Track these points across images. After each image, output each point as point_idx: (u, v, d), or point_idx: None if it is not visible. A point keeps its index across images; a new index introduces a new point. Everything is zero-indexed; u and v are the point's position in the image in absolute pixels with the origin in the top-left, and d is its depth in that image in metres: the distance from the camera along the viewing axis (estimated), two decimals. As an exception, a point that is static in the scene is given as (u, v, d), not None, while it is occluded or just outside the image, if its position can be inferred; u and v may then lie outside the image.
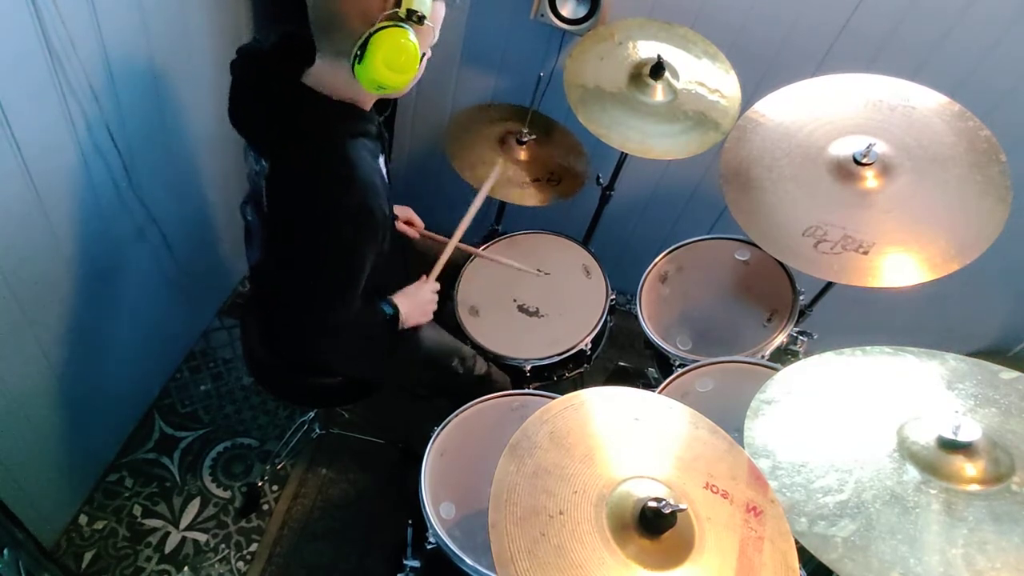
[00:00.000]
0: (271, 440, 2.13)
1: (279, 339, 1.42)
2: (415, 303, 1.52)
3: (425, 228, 1.76)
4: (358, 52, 1.07)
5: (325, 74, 1.18)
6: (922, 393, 1.11)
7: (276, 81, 1.20)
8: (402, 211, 1.73)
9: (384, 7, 1.08)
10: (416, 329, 1.59)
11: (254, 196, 1.34)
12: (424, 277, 1.58)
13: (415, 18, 1.07)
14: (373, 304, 1.43)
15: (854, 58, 1.87)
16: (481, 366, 1.71)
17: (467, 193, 1.70)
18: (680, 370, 1.58)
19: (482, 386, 1.60)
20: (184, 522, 1.94)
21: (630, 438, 1.06)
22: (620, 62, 1.77)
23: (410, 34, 1.07)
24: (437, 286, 1.58)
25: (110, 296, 1.75)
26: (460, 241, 1.67)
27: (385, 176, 1.35)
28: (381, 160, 1.34)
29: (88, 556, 1.83)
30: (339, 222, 1.18)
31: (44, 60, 1.28)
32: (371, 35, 1.06)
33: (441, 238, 1.69)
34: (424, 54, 1.14)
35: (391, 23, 1.06)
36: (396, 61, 1.08)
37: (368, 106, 1.26)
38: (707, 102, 1.74)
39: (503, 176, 1.86)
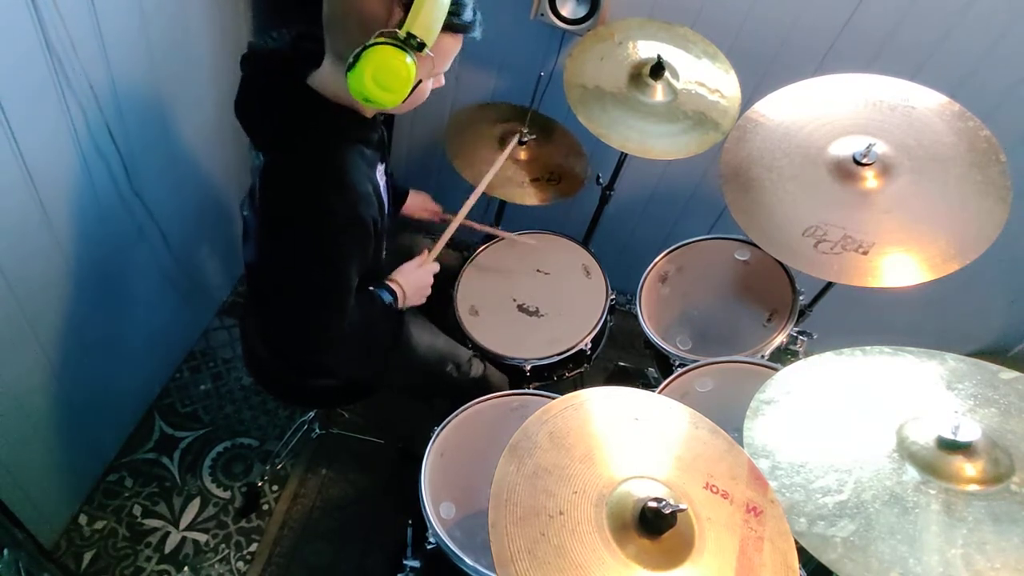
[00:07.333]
0: (271, 440, 2.13)
1: (273, 341, 1.41)
2: (413, 284, 1.49)
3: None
4: (351, 61, 1.05)
5: (328, 76, 1.17)
6: (921, 393, 1.11)
7: (281, 80, 1.20)
8: (418, 197, 1.77)
9: (387, 22, 1.05)
10: (409, 332, 1.58)
11: (253, 191, 1.34)
12: (425, 254, 1.55)
13: (414, 43, 1.04)
14: (370, 294, 1.41)
15: (854, 58, 1.87)
16: (477, 368, 1.70)
17: (467, 192, 1.70)
18: (680, 370, 1.58)
19: (478, 389, 1.59)
20: (184, 522, 1.94)
21: (630, 438, 1.06)
22: (620, 62, 1.77)
23: (406, 57, 1.04)
24: (436, 267, 1.55)
25: (110, 296, 1.75)
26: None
27: (382, 185, 1.33)
28: (380, 169, 1.32)
29: (88, 556, 1.83)
30: (323, 227, 1.16)
31: (44, 60, 1.28)
32: (366, 47, 1.03)
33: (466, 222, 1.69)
34: (420, 81, 1.10)
35: (388, 41, 1.03)
36: (384, 79, 1.04)
37: (370, 113, 1.25)
38: (707, 102, 1.74)
39: (503, 176, 1.86)
